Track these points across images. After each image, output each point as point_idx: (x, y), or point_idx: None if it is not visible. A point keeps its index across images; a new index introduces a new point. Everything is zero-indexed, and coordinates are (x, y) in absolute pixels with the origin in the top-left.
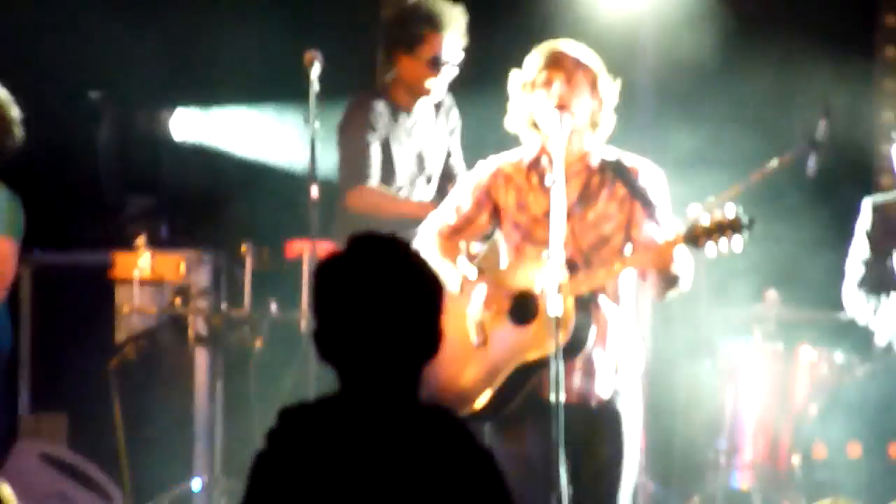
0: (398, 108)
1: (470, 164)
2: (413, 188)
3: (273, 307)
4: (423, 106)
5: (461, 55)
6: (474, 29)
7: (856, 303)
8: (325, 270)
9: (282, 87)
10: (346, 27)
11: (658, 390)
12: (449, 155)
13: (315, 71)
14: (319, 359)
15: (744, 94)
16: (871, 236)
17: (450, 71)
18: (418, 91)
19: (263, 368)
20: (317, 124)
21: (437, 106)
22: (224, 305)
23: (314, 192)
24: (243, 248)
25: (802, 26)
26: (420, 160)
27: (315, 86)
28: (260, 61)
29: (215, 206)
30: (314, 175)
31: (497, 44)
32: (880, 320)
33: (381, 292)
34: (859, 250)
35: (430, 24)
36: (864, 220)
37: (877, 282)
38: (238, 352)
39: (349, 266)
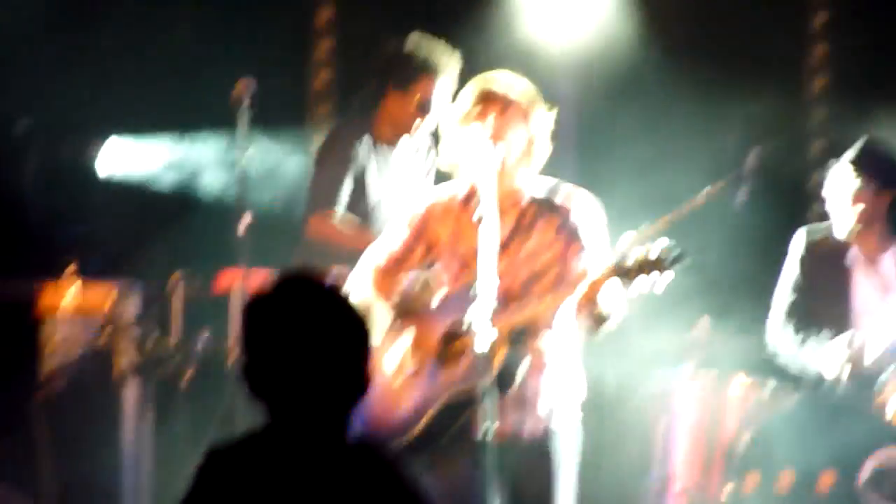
0: (379, 142)
1: None
2: (385, 223)
3: (204, 338)
4: (404, 144)
5: (448, 98)
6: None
7: (781, 335)
8: (254, 308)
9: (214, 116)
10: (280, 57)
11: (590, 421)
12: None
13: (247, 100)
14: (248, 394)
15: (674, 123)
16: (803, 267)
17: (436, 115)
18: (403, 129)
19: (193, 400)
20: (248, 153)
21: (418, 146)
22: (153, 337)
23: (245, 221)
24: (174, 278)
25: (733, 56)
26: (391, 201)
27: (247, 115)
28: (191, 90)
29: (146, 236)
30: (245, 205)
31: None
32: (807, 352)
33: (310, 331)
34: (789, 281)
35: (427, 67)
36: (797, 251)
37: (806, 313)
38: (167, 383)
39: (278, 304)
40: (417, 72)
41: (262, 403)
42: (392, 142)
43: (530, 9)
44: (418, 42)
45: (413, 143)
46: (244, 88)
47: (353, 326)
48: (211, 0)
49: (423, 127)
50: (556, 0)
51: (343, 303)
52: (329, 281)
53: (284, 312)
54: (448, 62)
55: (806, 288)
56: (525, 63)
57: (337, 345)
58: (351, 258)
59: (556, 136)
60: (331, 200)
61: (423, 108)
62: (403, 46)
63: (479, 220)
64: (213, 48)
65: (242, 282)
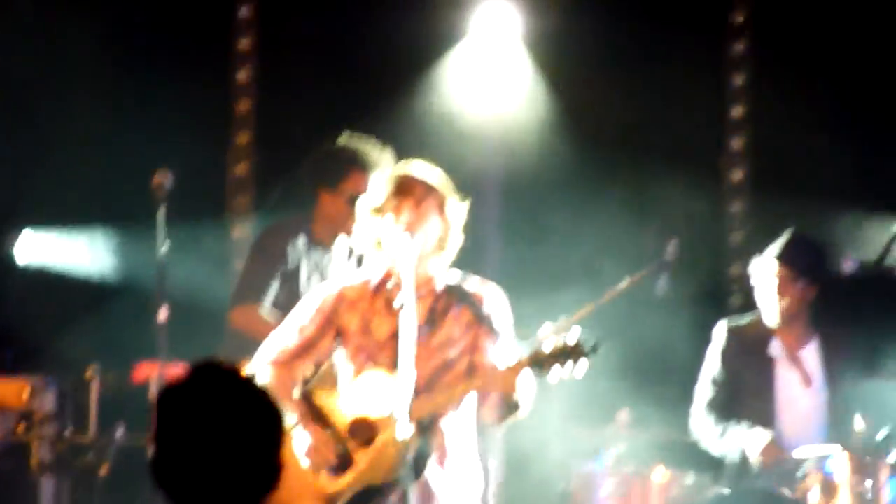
0: (315, 243)
1: None
2: None
3: (120, 432)
4: (340, 244)
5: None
6: None
7: (703, 425)
8: (165, 398)
9: (132, 207)
10: (199, 147)
11: None
12: None
13: (164, 191)
14: (155, 487)
15: (596, 214)
16: (725, 359)
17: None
18: (338, 228)
19: (111, 493)
20: (165, 247)
21: (353, 247)
22: (69, 431)
23: (163, 313)
24: (89, 371)
25: (654, 149)
26: None
27: (164, 205)
28: (110, 180)
29: (61, 329)
30: (163, 296)
31: None
32: (728, 443)
33: (219, 423)
34: (711, 372)
35: (355, 162)
36: (718, 343)
37: (726, 404)
38: (84, 477)
39: (188, 395)
40: (346, 169)
41: (169, 497)
42: (329, 241)
43: (450, 102)
44: (346, 141)
45: (350, 241)
46: (162, 179)
47: (264, 417)
48: (129, 90)
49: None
50: (473, 97)
51: (255, 393)
52: (242, 372)
53: (195, 401)
54: (378, 157)
55: (727, 380)
56: (444, 153)
57: (246, 436)
58: None
59: (479, 225)
60: (257, 293)
61: (355, 205)
62: (329, 147)
63: (392, 309)
64: (130, 138)
65: (160, 373)
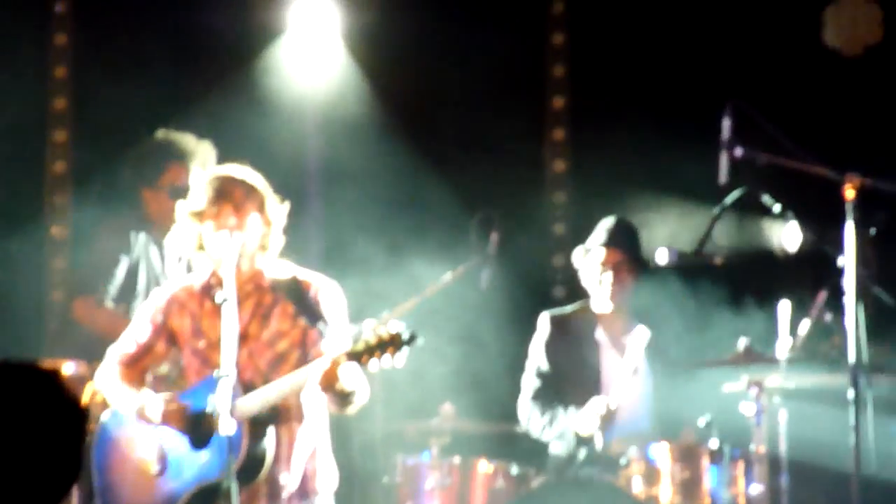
0: (151, 241)
1: None
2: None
3: None
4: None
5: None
6: None
7: (530, 415)
8: None
9: None
10: (15, 146)
11: None
12: None
13: None
14: None
15: (419, 206)
16: (549, 349)
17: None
18: (165, 222)
19: None
20: None
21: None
22: None
23: None
24: None
25: (476, 140)
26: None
27: None
28: None
29: None
30: None
31: None
32: (554, 431)
33: (16, 420)
34: (536, 363)
35: (171, 156)
36: (542, 333)
37: (553, 393)
38: None
39: None
40: (163, 163)
41: None
42: (162, 235)
43: (271, 96)
44: (161, 136)
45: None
46: None
47: (63, 413)
48: None
49: None
50: (293, 90)
51: (55, 390)
52: (43, 368)
53: None
54: (195, 148)
55: (552, 370)
56: (264, 148)
57: (43, 432)
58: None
59: (301, 221)
60: (96, 285)
61: (178, 196)
62: (146, 143)
63: (219, 308)
64: None
65: None
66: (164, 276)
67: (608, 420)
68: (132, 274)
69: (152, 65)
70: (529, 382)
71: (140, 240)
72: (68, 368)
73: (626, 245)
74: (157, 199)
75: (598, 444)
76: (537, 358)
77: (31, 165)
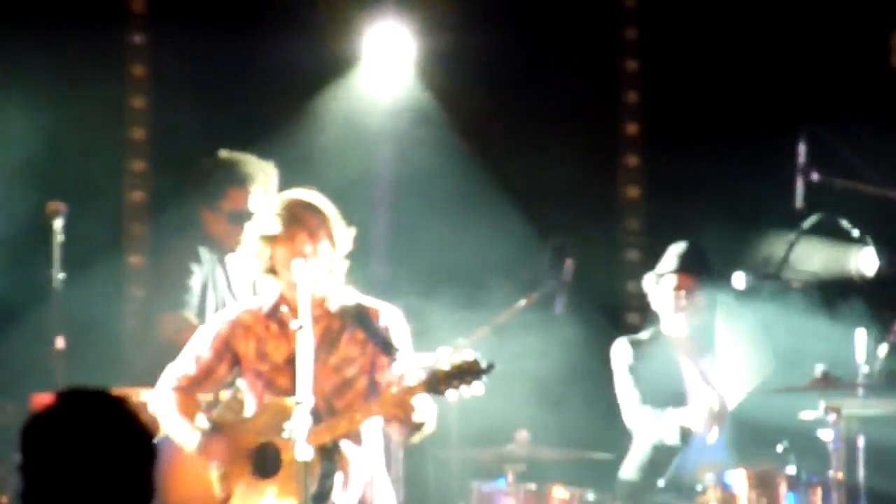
0: (214, 259)
1: None
2: None
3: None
4: (233, 262)
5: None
6: None
7: (640, 415)
8: (32, 427)
9: (27, 238)
10: (92, 179)
11: None
12: None
13: (59, 223)
14: None
15: (493, 233)
16: (634, 372)
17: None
18: (226, 246)
19: None
20: (60, 276)
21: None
22: None
23: (60, 342)
24: None
25: (548, 165)
26: None
27: (59, 237)
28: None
29: None
30: (60, 327)
31: None
32: (662, 424)
33: (86, 449)
34: (627, 382)
35: (230, 179)
36: (625, 357)
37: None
38: None
39: (55, 422)
40: (223, 187)
41: None
42: (223, 256)
43: (344, 123)
44: (222, 158)
45: (237, 260)
46: (55, 210)
47: (136, 439)
48: (16, 112)
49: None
50: (366, 117)
51: (123, 417)
52: (112, 396)
53: (59, 429)
54: (257, 171)
55: (640, 387)
56: (336, 174)
57: (118, 458)
58: None
59: (368, 246)
60: (183, 300)
61: (237, 221)
62: (203, 166)
63: (287, 332)
64: (24, 170)
65: None
66: (230, 296)
67: (715, 419)
68: (205, 288)
69: (228, 93)
70: (629, 396)
71: (206, 255)
72: (146, 396)
73: (698, 269)
74: (216, 222)
75: (712, 437)
76: (625, 378)
77: (110, 194)
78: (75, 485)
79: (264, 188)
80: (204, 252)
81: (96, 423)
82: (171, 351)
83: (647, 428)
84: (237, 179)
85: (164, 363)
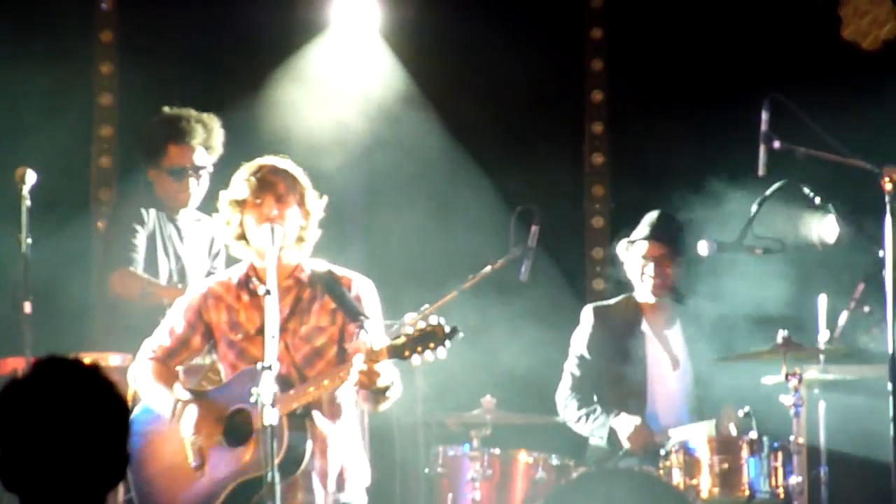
0: (162, 217)
1: None
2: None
3: None
4: (186, 218)
5: (208, 164)
6: None
7: (567, 405)
8: (5, 395)
9: None
10: (61, 142)
11: (376, 501)
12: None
13: (27, 186)
14: (4, 488)
15: (458, 200)
16: (593, 340)
17: (200, 180)
18: (172, 203)
19: None
20: (29, 240)
21: (202, 226)
22: None
23: (27, 307)
24: None
25: (515, 134)
26: (181, 272)
27: (27, 201)
28: None
29: None
30: (28, 291)
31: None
32: (594, 425)
33: (61, 415)
34: (579, 354)
35: (170, 136)
36: (586, 326)
37: (594, 385)
38: None
39: (29, 391)
40: (164, 144)
41: (17, 495)
42: (174, 216)
43: (311, 93)
44: (162, 116)
45: (190, 213)
46: (23, 174)
47: (110, 407)
48: None
49: (189, 195)
50: (338, 77)
51: (99, 384)
52: (87, 364)
53: (36, 396)
54: (196, 126)
55: (595, 363)
56: (305, 144)
57: (90, 427)
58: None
59: (341, 215)
60: (129, 257)
61: (179, 177)
62: (145, 125)
63: (258, 302)
64: None
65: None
66: (184, 251)
67: (641, 437)
68: (151, 248)
69: (195, 60)
70: (570, 373)
71: (152, 215)
72: (114, 361)
73: (668, 238)
74: (161, 180)
75: (634, 450)
76: (580, 349)
77: (78, 161)
78: (51, 453)
79: (206, 143)
80: (149, 212)
81: (72, 391)
82: (129, 310)
83: (569, 419)
84: (177, 136)
85: (123, 325)
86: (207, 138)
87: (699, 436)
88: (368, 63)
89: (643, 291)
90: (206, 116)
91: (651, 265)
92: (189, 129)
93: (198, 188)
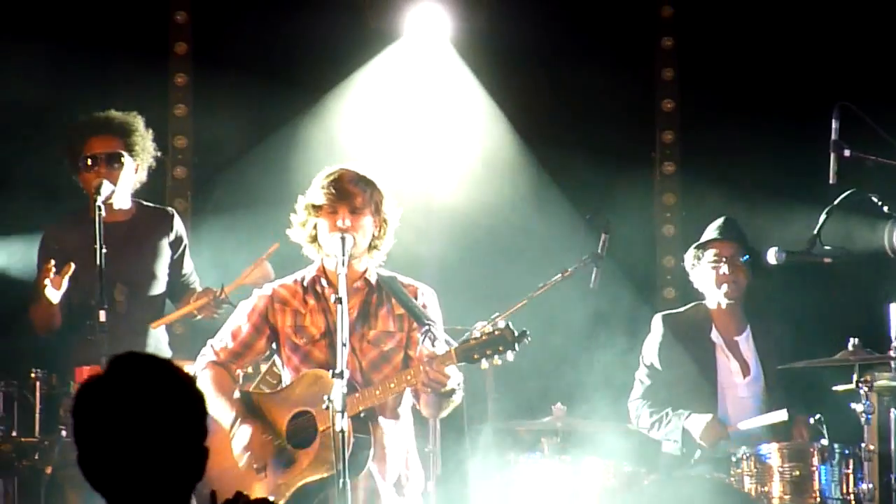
0: (92, 221)
1: None
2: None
3: (63, 433)
4: (136, 217)
5: (111, 151)
6: None
7: (639, 413)
8: (85, 394)
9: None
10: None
11: None
12: (180, 267)
13: (102, 197)
14: (91, 486)
15: (531, 207)
16: (663, 349)
17: (110, 168)
18: (93, 194)
19: (54, 495)
20: (104, 249)
21: (157, 219)
22: (14, 432)
23: (102, 316)
24: (32, 375)
25: (586, 142)
26: (145, 270)
27: (102, 212)
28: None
29: (3, 333)
30: (102, 300)
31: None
32: (667, 429)
33: (143, 413)
34: (649, 362)
35: (78, 133)
36: (656, 334)
37: (665, 392)
38: (29, 479)
39: (108, 387)
40: (75, 142)
41: (102, 493)
42: (117, 217)
43: (383, 103)
44: (80, 118)
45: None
46: (98, 186)
47: (189, 402)
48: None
49: (104, 183)
50: (406, 96)
51: (176, 380)
52: (163, 359)
53: (116, 393)
54: (97, 120)
55: (665, 370)
56: (377, 150)
57: (169, 422)
58: None
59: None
60: (33, 294)
61: (90, 166)
62: (71, 126)
63: (324, 306)
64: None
65: None
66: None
67: (715, 432)
68: (84, 258)
69: (268, 70)
70: (640, 381)
71: (66, 235)
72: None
73: (737, 236)
74: (81, 175)
75: (708, 445)
76: (650, 358)
77: (153, 171)
78: (132, 448)
79: (107, 132)
80: (60, 232)
81: (150, 386)
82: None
83: (642, 426)
84: (91, 128)
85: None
86: (109, 127)
87: (772, 422)
88: (440, 72)
89: (716, 297)
90: (129, 115)
91: (724, 265)
92: (107, 119)
93: (111, 176)
